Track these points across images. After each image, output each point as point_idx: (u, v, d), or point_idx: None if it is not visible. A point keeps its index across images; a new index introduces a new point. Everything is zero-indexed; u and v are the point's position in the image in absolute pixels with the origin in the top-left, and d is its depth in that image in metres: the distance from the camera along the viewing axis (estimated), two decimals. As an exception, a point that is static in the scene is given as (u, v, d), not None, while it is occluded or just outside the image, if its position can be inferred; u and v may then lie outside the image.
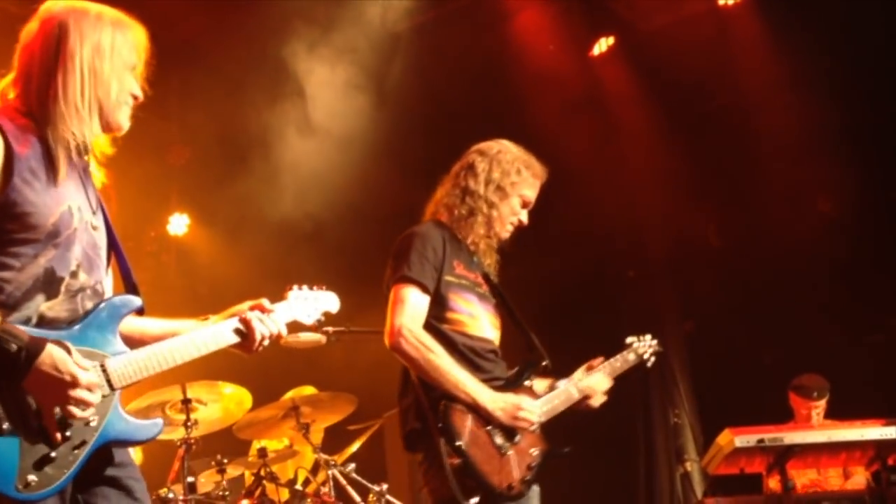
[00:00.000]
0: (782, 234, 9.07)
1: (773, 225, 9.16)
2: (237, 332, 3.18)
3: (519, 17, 9.27)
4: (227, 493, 6.38)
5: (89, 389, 2.77)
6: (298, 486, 6.71)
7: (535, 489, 4.36)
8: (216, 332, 3.15)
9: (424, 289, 4.29)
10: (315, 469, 7.08)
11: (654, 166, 9.71)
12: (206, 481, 6.72)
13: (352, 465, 6.55)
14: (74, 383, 2.73)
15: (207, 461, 6.58)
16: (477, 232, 4.49)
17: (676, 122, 9.35)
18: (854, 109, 8.49)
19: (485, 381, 4.28)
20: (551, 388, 4.54)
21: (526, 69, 9.34)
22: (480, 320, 4.46)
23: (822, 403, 7.12)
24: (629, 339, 5.07)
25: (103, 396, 2.85)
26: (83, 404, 2.76)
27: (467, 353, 4.33)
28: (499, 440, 4.21)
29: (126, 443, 2.98)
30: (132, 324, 3.11)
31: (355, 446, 7.32)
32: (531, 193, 4.60)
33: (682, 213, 9.60)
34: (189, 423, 6.27)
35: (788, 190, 9.03)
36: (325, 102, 8.69)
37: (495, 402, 4.21)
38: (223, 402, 6.62)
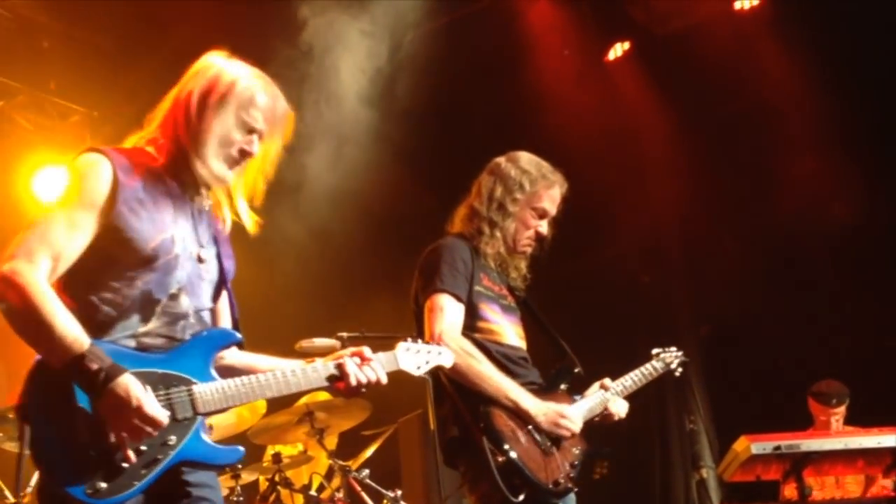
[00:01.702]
0: (799, 239, 9.05)
1: (790, 229, 9.12)
2: (330, 377, 3.27)
3: (534, 22, 9.28)
4: (241, 498, 6.39)
5: (154, 423, 2.88)
6: (313, 492, 6.71)
7: (572, 497, 4.38)
8: (309, 375, 3.26)
9: (458, 298, 4.37)
10: (329, 475, 7.07)
11: (669, 170, 9.68)
12: (221, 487, 6.72)
13: (366, 471, 6.54)
14: (140, 412, 2.85)
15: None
16: (491, 249, 4.55)
17: (692, 126, 9.34)
18: (871, 112, 8.46)
19: (521, 385, 4.33)
20: (585, 394, 4.60)
21: (541, 74, 9.34)
22: (507, 330, 4.51)
23: (842, 410, 7.09)
24: (655, 350, 5.13)
25: (185, 419, 3.01)
26: (144, 434, 2.88)
27: (502, 359, 4.39)
28: (541, 439, 4.25)
29: (202, 465, 3.10)
30: (242, 358, 3.28)
31: (370, 452, 7.31)
32: (546, 205, 4.62)
33: (697, 218, 9.58)
34: (204, 429, 6.27)
35: (805, 194, 8.99)
36: (333, 104, 8.70)
37: (538, 407, 4.27)
38: (237, 408, 6.60)
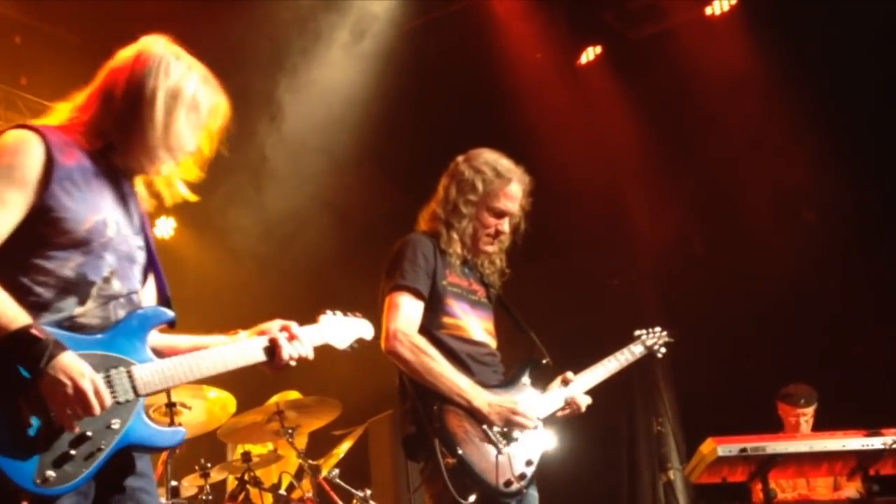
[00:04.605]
0: (766, 244, 9.09)
1: (758, 234, 9.17)
2: (265, 350, 3.28)
3: (506, 25, 9.30)
4: (210, 497, 6.38)
5: (101, 400, 2.82)
6: (282, 491, 6.71)
7: (535, 495, 4.39)
8: (244, 350, 3.25)
9: (418, 294, 4.38)
10: (299, 474, 7.07)
11: (640, 175, 9.73)
12: (190, 485, 6.71)
13: (336, 471, 6.55)
14: (86, 388, 2.79)
15: (191, 465, 6.57)
16: (450, 249, 4.54)
17: (662, 131, 9.37)
18: (841, 120, 8.52)
19: (479, 383, 4.32)
20: (547, 388, 4.59)
21: (513, 77, 9.37)
22: (473, 326, 4.51)
23: (810, 411, 7.13)
24: (637, 332, 5.09)
25: (127, 401, 2.96)
26: (89, 412, 2.81)
27: (463, 357, 4.40)
28: (496, 438, 4.24)
29: (147, 448, 3.07)
30: (163, 339, 3.24)
31: (340, 452, 7.31)
32: (503, 204, 4.57)
33: (666, 222, 9.62)
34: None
35: (773, 199, 9.06)
36: (312, 108, 8.70)
37: (491, 405, 4.26)
38: (207, 406, 6.61)
